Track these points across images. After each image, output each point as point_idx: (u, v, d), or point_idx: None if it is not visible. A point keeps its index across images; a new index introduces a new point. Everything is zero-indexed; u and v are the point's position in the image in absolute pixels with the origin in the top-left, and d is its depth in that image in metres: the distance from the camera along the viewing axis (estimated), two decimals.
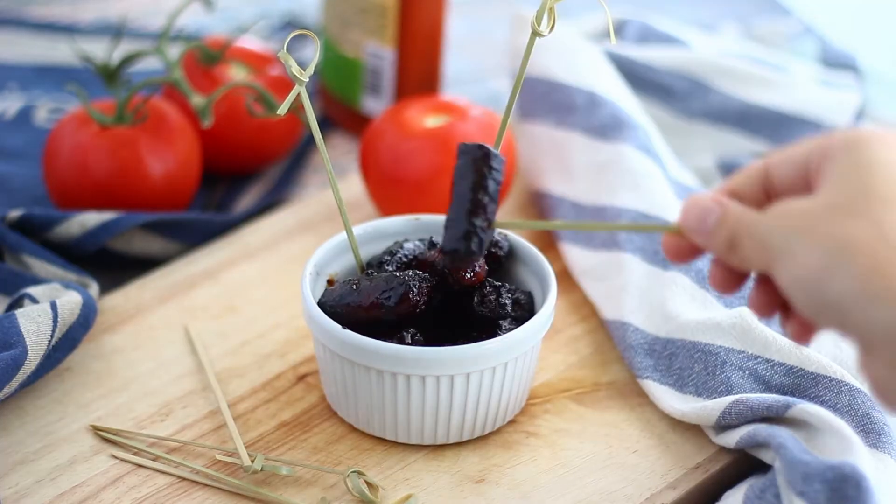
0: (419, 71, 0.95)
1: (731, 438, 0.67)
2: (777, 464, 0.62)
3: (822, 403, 0.67)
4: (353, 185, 0.90)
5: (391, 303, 0.65)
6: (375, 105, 0.96)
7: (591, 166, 0.84)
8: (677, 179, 0.84)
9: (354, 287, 0.67)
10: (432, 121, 0.84)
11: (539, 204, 0.88)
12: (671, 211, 0.79)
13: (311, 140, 0.97)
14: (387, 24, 0.93)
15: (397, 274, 0.66)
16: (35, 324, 0.69)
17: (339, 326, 0.66)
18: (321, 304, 0.68)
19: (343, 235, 0.72)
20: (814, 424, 0.65)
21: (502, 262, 0.72)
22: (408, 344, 0.66)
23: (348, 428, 0.70)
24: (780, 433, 0.63)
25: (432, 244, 0.71)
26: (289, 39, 0.64)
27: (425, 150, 0.82)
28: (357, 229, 0.72)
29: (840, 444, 0.63)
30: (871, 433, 0.66)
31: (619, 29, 0.99)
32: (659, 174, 0.82)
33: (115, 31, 1.02)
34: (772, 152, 0.55)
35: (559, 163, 0.86)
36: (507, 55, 0.99)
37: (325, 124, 1.00)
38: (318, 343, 0.69)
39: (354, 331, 0.66)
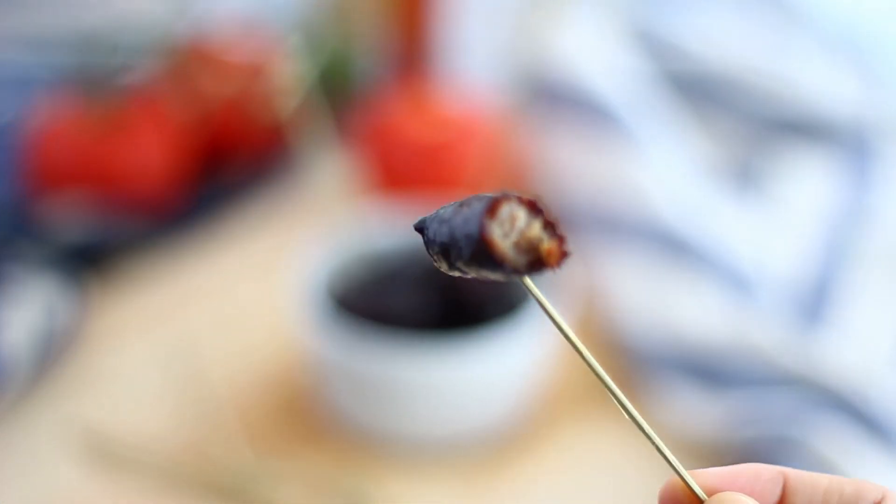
0: (419, 50, 0.95)
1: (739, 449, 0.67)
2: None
3: (833, 411, 0.67)
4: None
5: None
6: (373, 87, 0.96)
7: (605, 173, 0.83)
8: (688, 181, 0.84)
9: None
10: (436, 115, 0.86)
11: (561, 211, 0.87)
12: (672, 213, 0.79)
13: (306, 141, 0.97)
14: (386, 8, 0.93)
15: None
16: (23, 329, 0.68)
17: (345, 332, 0.66)
18: (339, 303, 0.68)
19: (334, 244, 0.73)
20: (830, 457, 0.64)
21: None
22: (417, 345, 0.66)
23: (350, 436, 0.70)
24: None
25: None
26: (286, 40, 0.63)
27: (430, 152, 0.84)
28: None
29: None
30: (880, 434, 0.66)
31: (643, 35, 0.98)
32: (669, 180, 0.82)
33: (106, 35, 1.02)
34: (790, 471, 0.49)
35: (577, 171, 0.86)
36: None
37: (325, 122, 0.99)
38: (321, 351, 0.68)
39: (361, 328, 0.66)
